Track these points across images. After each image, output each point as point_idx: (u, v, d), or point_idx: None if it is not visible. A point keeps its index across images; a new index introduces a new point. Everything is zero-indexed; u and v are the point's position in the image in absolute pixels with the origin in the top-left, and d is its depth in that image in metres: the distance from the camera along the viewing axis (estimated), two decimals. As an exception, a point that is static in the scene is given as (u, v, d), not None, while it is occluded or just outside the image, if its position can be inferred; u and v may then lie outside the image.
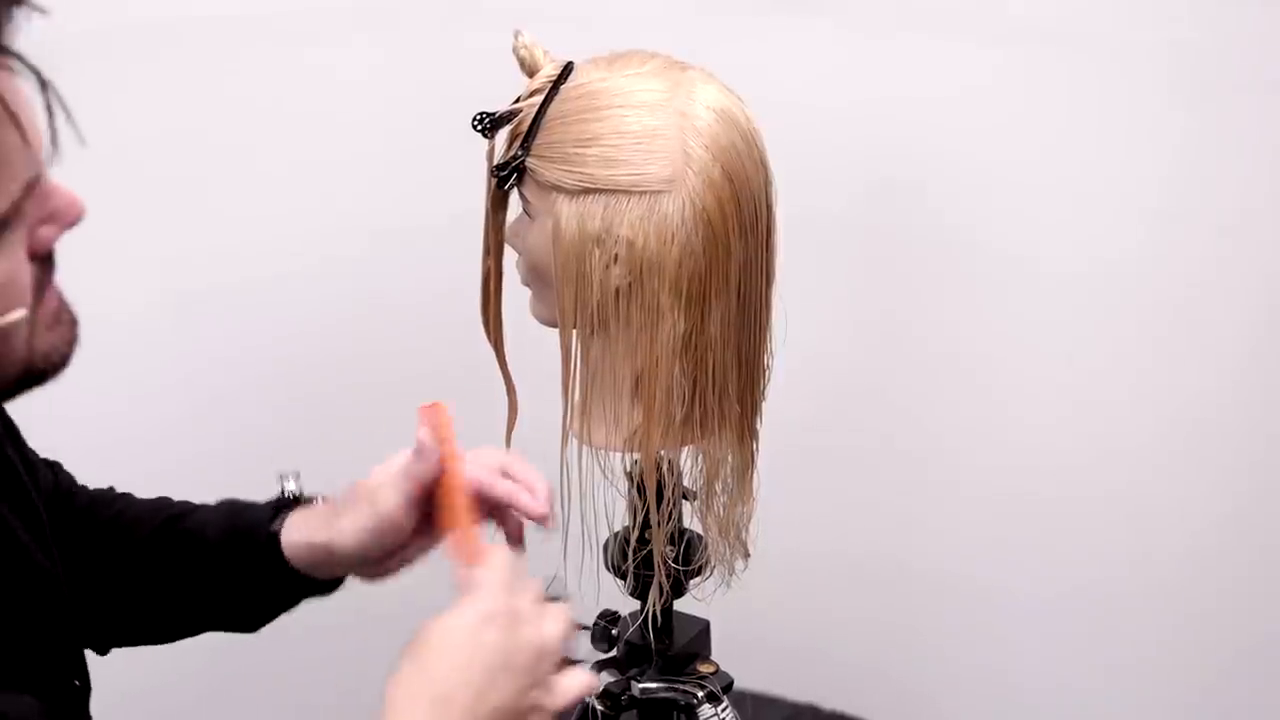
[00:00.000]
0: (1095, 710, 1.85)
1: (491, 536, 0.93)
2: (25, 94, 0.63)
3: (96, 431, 1.39)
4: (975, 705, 1.94)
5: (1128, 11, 1.58)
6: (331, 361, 1.74)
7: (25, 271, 0.67)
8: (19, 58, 0.62)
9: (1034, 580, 1.84)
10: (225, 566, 0.97)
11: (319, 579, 0.97)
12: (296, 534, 0.95)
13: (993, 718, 1.94)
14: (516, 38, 0.97)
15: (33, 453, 0.96)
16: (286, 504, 0.98)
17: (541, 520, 0.92)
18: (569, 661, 0.83)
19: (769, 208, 0.96)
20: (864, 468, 1.86)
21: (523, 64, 0.97)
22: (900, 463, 1.87)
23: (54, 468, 1.01)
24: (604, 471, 1.02)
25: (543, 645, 0.79)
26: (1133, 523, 1.75)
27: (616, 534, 1.10)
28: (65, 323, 0.72)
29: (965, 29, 1.64)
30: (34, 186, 0.65)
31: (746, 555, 1.10)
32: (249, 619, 1.02)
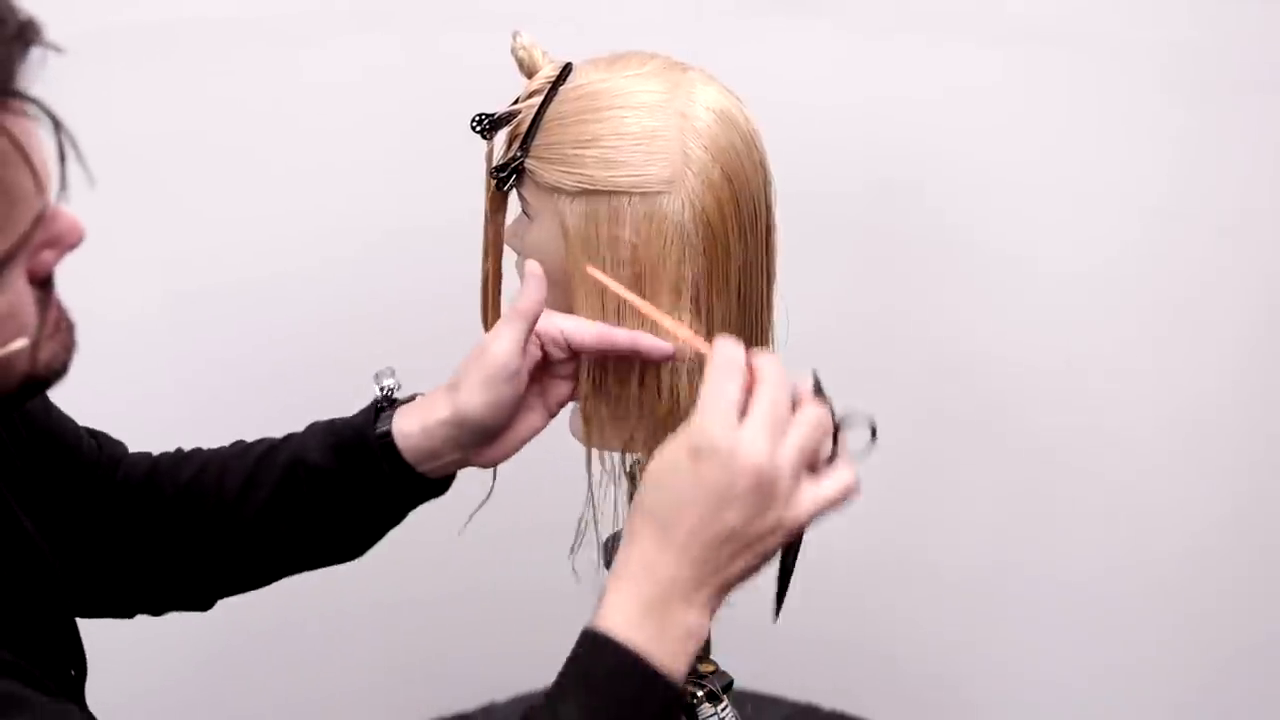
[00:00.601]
0: (1097, 709, 1.85)
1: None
2: (37, 135, 0.64)
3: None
4: (976, 705, 1.94)
5: (1127, 11, 1.58)
6: (330, 362, 1.74)
7: (29, 298, 0.68)
8: (35, 102, 0.63)
9: (1034, 580, 1.84)
10: (335, 486, 0.95)
11: (432, 479, 0.95)
12: (409, 423, 0.93)
13: (994, 717, 1.94)
14: (515, 39, 0.97)
15: (70, 422, 0.97)
16: (384, 404, 0.96)
17: (672, 358, 0.91)
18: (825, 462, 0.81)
19: (769, 208, 0.97)
20: (863, 468, 1.86)
21: (522, 65, 0.97)
22: (900, 463, 1.87)
23: (96, 437, 1.01)
24: (605, 471, 1.02)
25: (766, 472, 0.76)
26: (1133, 522, 1.75)
27: (617, 533, 1.10)
28: (64, 329, 0.73)
29: (964, 29, 1.64)
30: (41, 220, 0.66)
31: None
32: (356, 542, 1.00)
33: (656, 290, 0.92)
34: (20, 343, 0.68)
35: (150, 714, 1.68)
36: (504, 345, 0.89)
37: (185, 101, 1.59)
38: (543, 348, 0.93)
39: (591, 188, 0.91)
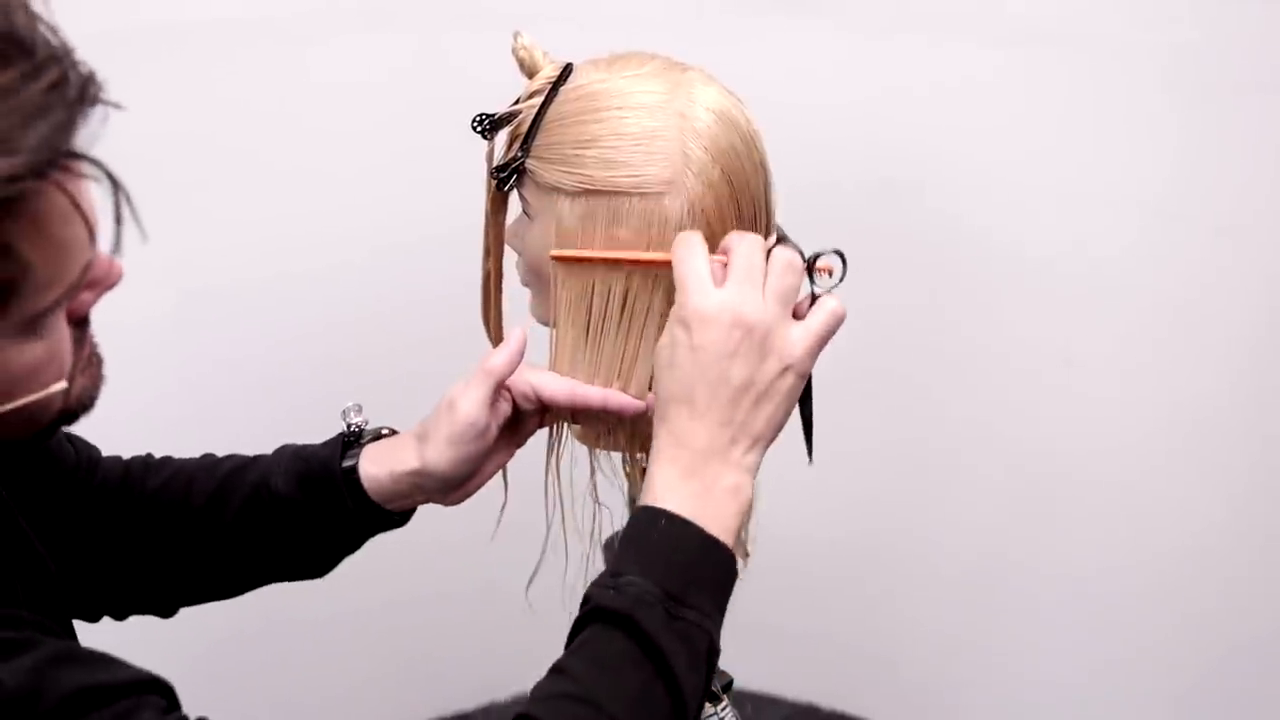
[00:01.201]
0: (1096, 708, 1.85)
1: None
2: (91, 190, 0.66)
3: (97, 431, 1.39)
4: (975, 705, 1.94)
5: (1127, 12, 1.59)
6: (331, 361, 1.74)
7: (67, 341, 0.70)
8: (95, 163, 0.64)
9: (1033, 579, 1.84)
10: (298, 515, 0.97)
11: (394, 513, 0.97)
12: (376, 467, 0.95)
13: (993, 716, 1.94)
14: (516, 39, 0.97)
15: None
16: (352, 439, 0.98)
17: (646, 410, 0.93)
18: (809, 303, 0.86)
19: (769, 209, 0.97)
20: (863, 468, 1.86)
21: (522, 65, 0.97)
22: (900, 463, 1.87)
23: (72, 440, 1.01)
24: (604, 471, 1.02)
25: (753, 320, 0.82)
26: (1131, 521, 1.75)
27: (617, 534, 1.10)
28: (94, 364, 0.75)
29: (965, 29, 1.64)
30: (89, 269, 0.68)
31: (746, 555, 1.10)
32: (317, 565, 1.02)
33: (655, 289, 0.93)
34: (59, 386, 0.70)
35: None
36: (470, 404, 0.91)
37: (191, 102, 1.60)
38: (513, 401, 0.95)
39: (591, 188, 0.91)
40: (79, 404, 0.75)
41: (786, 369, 0.84)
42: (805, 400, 0.90)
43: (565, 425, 1.02)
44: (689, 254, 0.85)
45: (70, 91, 0.63)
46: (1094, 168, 1.66)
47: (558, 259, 0.92)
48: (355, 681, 1.95)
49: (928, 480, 1.87)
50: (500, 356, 0.91)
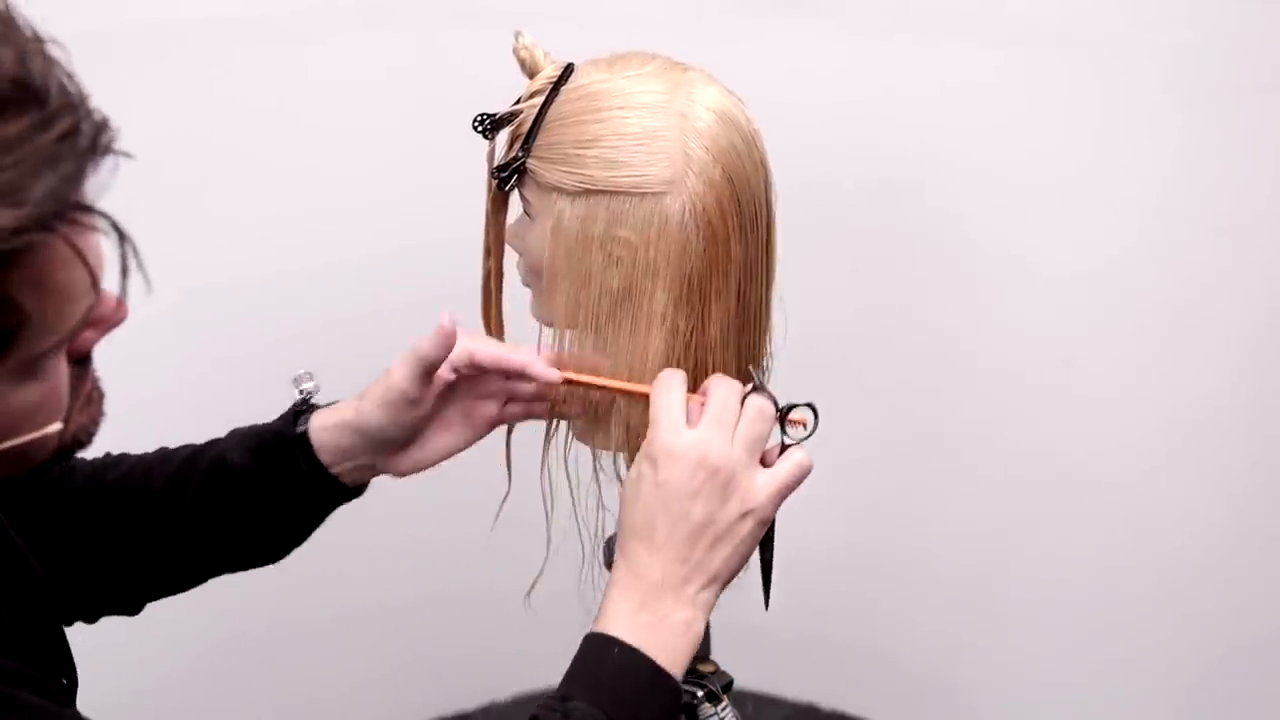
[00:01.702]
0: (1096, 708, 1.85)
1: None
2: (97, 239, 0.65)
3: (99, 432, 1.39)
4: (975, 705, 1.94)
5: (1128, 12, 1.59)
6: (331, 361, 1.74)
7: (65, 381, 0.69)
8: (102, 215, 0.64)
9: (1033, 579, 1.84)
10: (255, 485, 0.98)
11: (346, 484, 0.98)
12: (324, 421, 0.97)
13: (993, 716, 1.94)
14: (517, 39, 0.97)
15: None
16: (303, 409, 0.99)
17: (555, 382, 0.94)
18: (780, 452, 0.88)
19: (769, 208, 0.97)
20: (864, 468, 1.86)
21: (523, 65, 0.97)
22: (900, 463, 1.88)
23: None
24: (605, 470, 1.02)
25: (719, 463, 0.84)
26: (1132, 522, 1.75)
27: (613, 536, 1.10)
28: (95, 401, 0.74)
29: (965, 30, 1.64)
30: (91, 311, 0.67)
31: (746, 555, 1.10)
32: (278, 543, 1.02)
33: (655, 289, 0.93)
34: (54, 427, 0.70)
35: (148, 716, 1.68)
36: (398, 377, 0.94)
37: (190, 101, 1.60)
38: (456, 370, 0.96)
39: (592, 188, 0.91)
40: (75, 441, 0.74)
41: (747, 513, 0.85)
42: (766, 546, 0.92)
43: (561, 423, 1.01)
44: (666, 391, 0.87)
45: (82, 141, 0.62)
46: (1094, 168, 1.66)
47: (567, 381, 0.94)
48: (355, 682, 1.95)
49: (928, 480, 1.87)
50: (429, 344, 0.92)
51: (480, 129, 0.97)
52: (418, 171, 1.68)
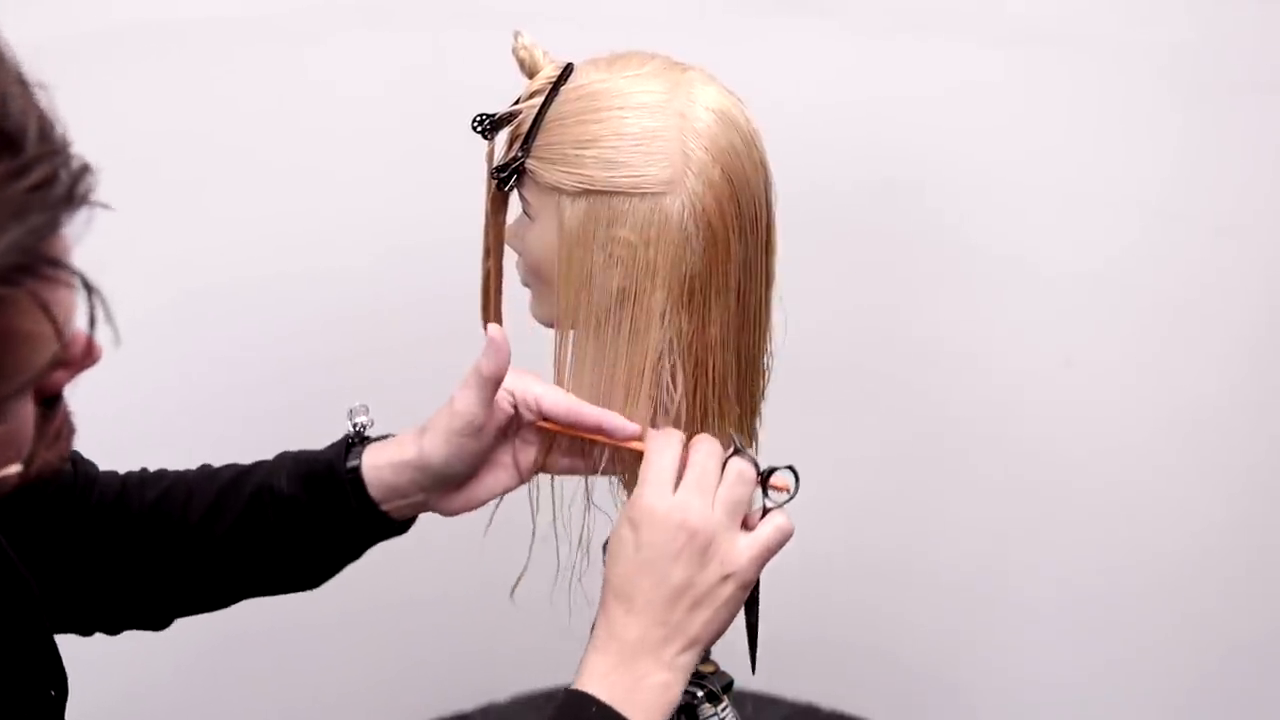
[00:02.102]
0: (1096, 708, 1.85)
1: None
2: (65, 292, 0.62)
3: (96, 432, 1.39)
4: (975, 705, 1.94)
5: (1127, 12, 1.58)
6: (330, 361, 1.74)
7: (28, 424, 0.67)
8: (72, 271, 0.61)
9: (1033, 580, 1.84)
10: (301, 516, 0.97)
11: (395, 519, 0.97)
12: (379, 459, 0.96)
13: (993, 717, 1.94)
14: (516, 39, 0.97)
15: None
16: (355, 441, 0.98)
17: (638, 438, 0.93)
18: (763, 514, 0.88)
19: (769, 208, 0.96)
20: (863, 468, 1.86)
21: (522, 65, 0.97)
22: (900, 463, 1.87)
23: (71, 457, 0.99)
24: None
25: (699, 527, 0.84)
26: (1132, 522, 1.75)
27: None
28: (64, 436, 0.71)
29: (965, 30, 1.64)
30: (58, 357, 0.64)
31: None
32: (316, 573, 1.02)
33: (655, 289, 0.92)
34: (13, 469, 0.67)
35: (148, 715, 1.68)
36: (467, 402, 0.92)
37: (187, 100, 1.59)
38: (515, 406, 0.95)
39: (592, 188, 0.91)
40: (40, 477, 0.71)
41: (727, 577, 0.85)
42: (752, 608, 0.93)
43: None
44: (660, 452, 0.88)
45: (56, 191, 0.59)
46: (1094, 167, 1.66)
47: (542, 427, 0.95)
48: (354, 682, 1.95)
49: (928, 480, 1.87)
50: (490, 361, 0.92)
51: (479, 129, 0.96)
52: (417, 171, 1.68)
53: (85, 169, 0.61)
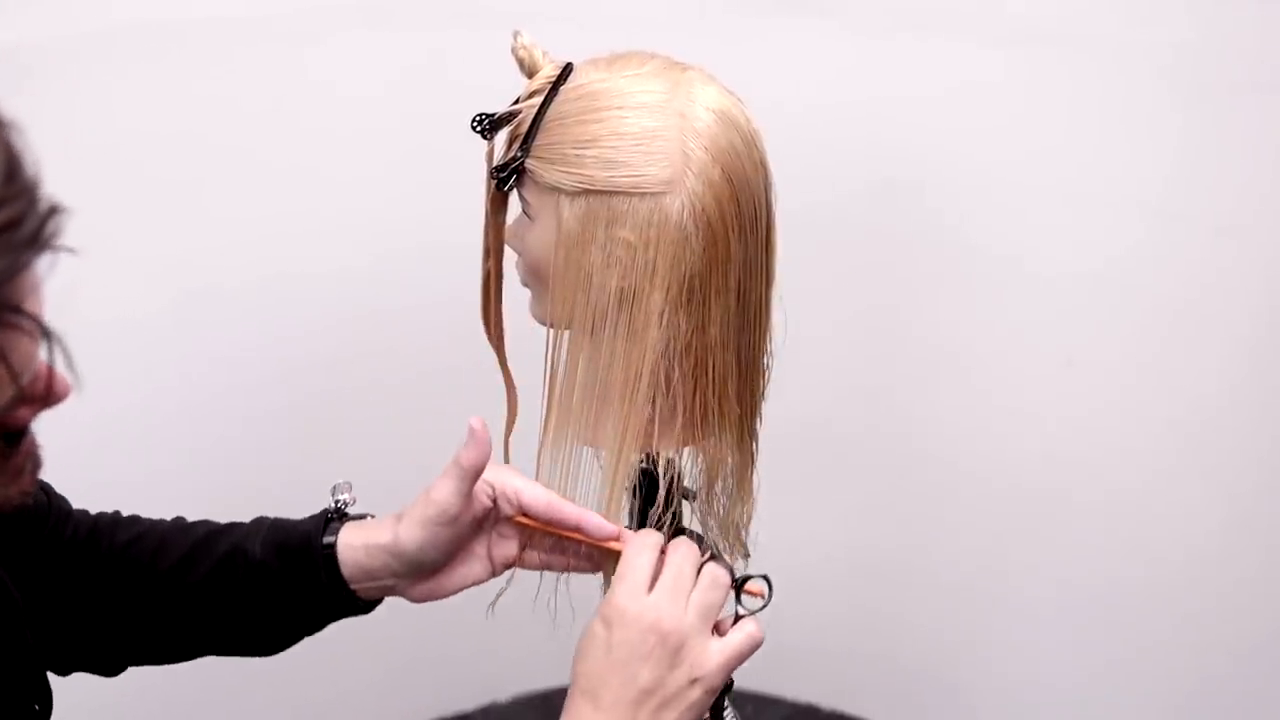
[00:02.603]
0: (1096, 709, 1.85)
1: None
2: (24, 340, 0.61)
3: (95, 432, 1.39)
4: (975, 705, 1.94)
5: (1128, 12, 1.58)
6: (331, 362, 1.74)
7: None
8: (31, 318, 0.60)
9: (1034, 581, 1.84)
10: (270, 583, 0.97)
11: (361, 599, 0.98)
12: (353, 539, 0.96)
13: (994, 717, 1.94)
14: (516, 38, 0.97)
15: None
16: (334, 517, 0.98)
17: (615, 539, 0.94)
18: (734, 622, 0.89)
19: (769, 209, 0.96)
20: (863, 468, 1.86)
21: (522, 65, 0.97)
22: (900, 463, 1.87)
23: (46, 490, 1.00)
24: (601, 471, 1.02)
25: (670, 630, 0.85)
26: (1133, 523, 1.75)
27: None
28: (28, 471, 0.70)
29: (965, 30, 1.64)
30: (13, 399, 0.63)
31: (746, 555, 1.10)
32: (274, 641, 1.01)
33: (654, 290, 0.92)
34: None
35: (147, 715, 1.68)
36: (443, 493, 0.92)
37: (185, 101, 1.59)
38: (494, 499, 0.95)
39: (591, 188, 0.91)
40: (3, 507, 0.70)
41: (695, 681, 0.86)
42: (717, 713, 0.94)
43: (552, 413, 1.01)
44: (637, 553, 0.89)
45: (20, 234, 0.58)
46: (1095, 167, 1.66)
47: (519, 523, 0.95)
48: (355, 682, 1.94)
49: (929, 481, 1.87)
50: (470, 453, 0.91)
51: (479, 129, 0.96)
52: (417, 172, 1.68)
53: (53, 210, 0.60)
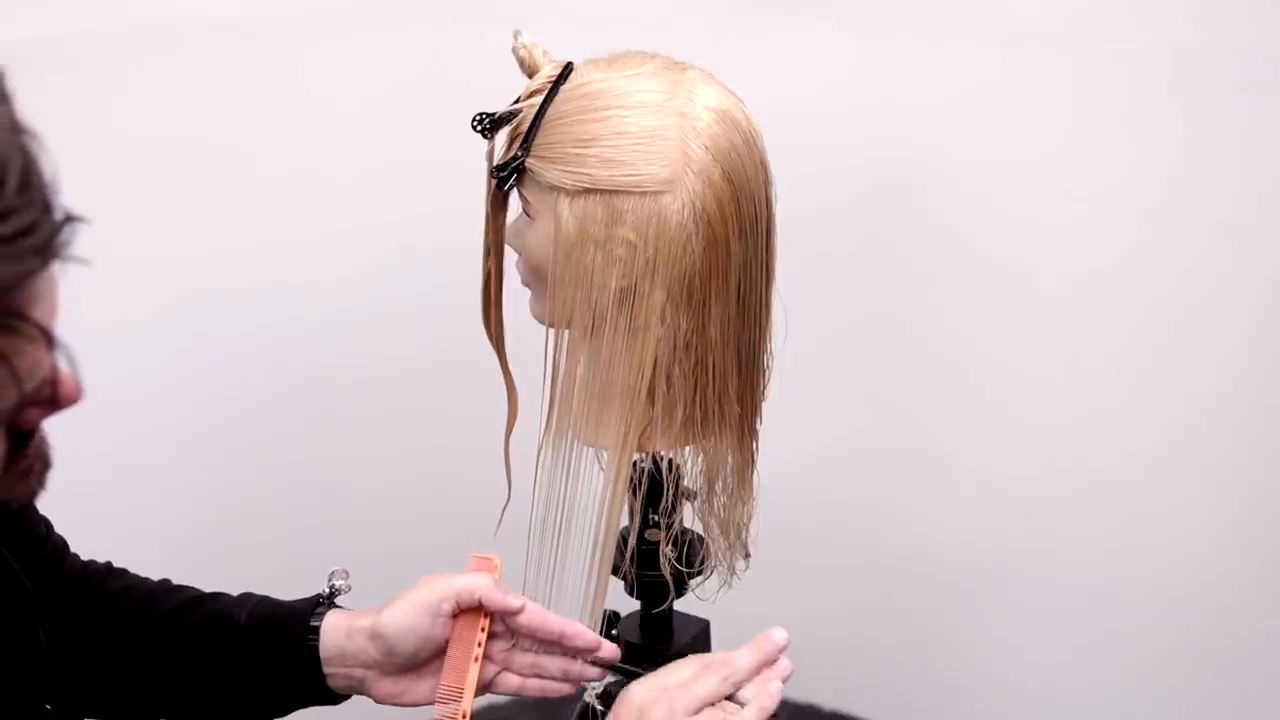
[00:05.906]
0: (1097, 710, 1.85)
1: None
2: (32, 349, 0.61)
3: (95, 430, 1.39)
4: (976, 705, 1.94)
5: (1128, 12, 1.58)
6: (331, 363, 1.74)
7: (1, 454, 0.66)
8: (37, 326, 0.60)
9: (1035, 581, 1.84)
10: (247, 650, 0.97)
11: (330, 687, 0.98)
12: (338, 620, 0.97)
13: (993, 717, 1.94)
14: (516, 38, 0.97)
15: (35, 508, 0.96)
16: (325, 601, 0.99)
17: (597, 650, 0.96)
18: None
19: (769, 208, 0.97)
20: (863, 469, 1.86)
21: (522, 64, 0.97)
22: (900, 464, 1.87)
23: (46, 524, 1.00)
24: (602, 471, 1.02)
25: None
26: (1135, 524, 1.75)
27: (625, 528, 1.09)
28: (36, 469, 0.70)
29: (965, 30, 1.64)
30: (20, 399, 0.62)
31: (747, 555, 1.10)
32: (237, 712, 1.01)
33: (655, 289, 0.92)
34: None
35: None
36: (436, 590, 0.95)
37: (186, 101, 1.59)
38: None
39: (592, 187, 0.91)
40: (6, 507, 0.71)
41: None
42: None
43: (553, 413, 1.01)
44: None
45: (31, 243, 0.58)
46: (1096, 168, 1.66)
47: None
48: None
49: (930, 481, 1.87)
50: (475, 584, 0.95)
51: (479, 128, 0.96)
52: (417, 171, 1.67)
53: (66, 220, 0.59)
